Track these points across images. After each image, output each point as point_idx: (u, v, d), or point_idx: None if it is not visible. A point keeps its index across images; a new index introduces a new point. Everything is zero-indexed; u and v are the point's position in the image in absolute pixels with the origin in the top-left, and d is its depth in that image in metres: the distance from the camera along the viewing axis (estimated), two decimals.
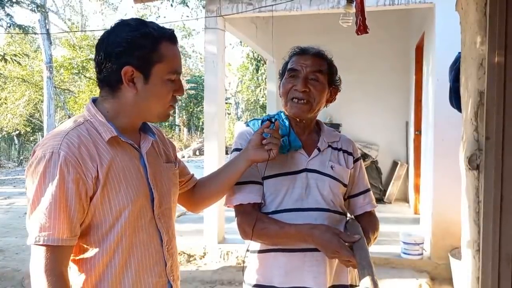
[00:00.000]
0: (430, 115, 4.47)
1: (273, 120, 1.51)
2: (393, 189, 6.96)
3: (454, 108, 2.31)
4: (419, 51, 5.96)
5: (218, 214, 4.84)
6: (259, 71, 17.40)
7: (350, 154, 1.67)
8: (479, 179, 1.68)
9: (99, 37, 1.26)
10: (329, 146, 1.64)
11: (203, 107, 9.15)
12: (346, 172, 1.63)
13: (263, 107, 21.52)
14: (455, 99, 2.22)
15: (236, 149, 1.61)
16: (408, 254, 4.32)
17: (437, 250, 4.23)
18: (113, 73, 1.21)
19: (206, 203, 1.61)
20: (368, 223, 1.63)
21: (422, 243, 4.36)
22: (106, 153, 1.20)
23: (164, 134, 1.52)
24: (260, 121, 1.64)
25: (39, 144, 1.18)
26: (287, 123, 1.62)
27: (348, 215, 1.71)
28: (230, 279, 4.29)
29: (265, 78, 16.23)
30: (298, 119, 1.60)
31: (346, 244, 1.38)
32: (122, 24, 1.23)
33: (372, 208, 1.71)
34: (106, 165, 1.19)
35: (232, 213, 5.94)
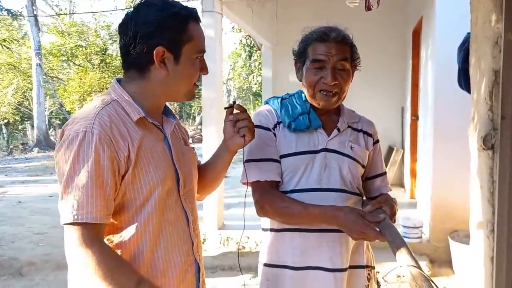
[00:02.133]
0: (430, 99, 4.47)
1: (235, 102, 1.45)
2: (388, 174, 6.97)
3: (463, 90, 2.29)
4: (417, 35, 5.94)
5: (218, 201, 4.83)
6: (252, 57, 17.30)
7: (370, 135, 1.66)
8: (494, 159, 1.68)
9: (121, 20, 1.24)
10: (349, 126, 1.62)
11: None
12: (365, 153, 1.61)
13: (256, 94, 21.46)
14: (464, 80, 2.20)
15: (255, 126, 1.57)
16: (408, 237, 4.34)
17: (436, 233, 4.27)
18: (144, 54, 1.21)
19: (205, 191, 1.59)
20: (387, 195, 1.63)
21: (421, 226, 4.39)
22: (135, 133, 1.20)
23: None
24: (279, 99, 1.61)
25: (68, 123, 1.18)
26: (308, 104, 1.59)
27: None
28: (231, 264, 4.29)
29: (259, 65, 16.16)
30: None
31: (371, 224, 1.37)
32: (148, 5, 1.22)
33: (388, 191, 1.70)
34: (136, 145, 1.19)
35: (231, 200, 5.96)
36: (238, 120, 1.41)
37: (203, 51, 1.29)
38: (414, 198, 6.05)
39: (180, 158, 1.32)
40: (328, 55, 1.51)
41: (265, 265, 1.58)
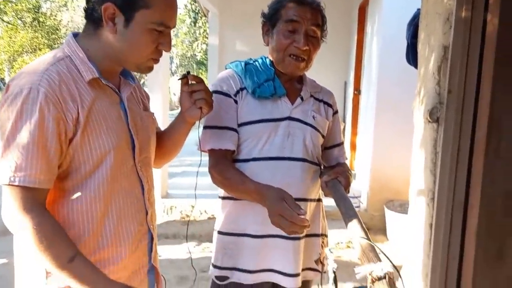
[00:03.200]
0: (373, 74, 4.61)
1: (189, 72, 1.39)
2: None
3: (410, 65, 2.37)
4: (362, 11, 6.06)
5: (161, 170, 4.73)
6: (197, 24, 16.84)
7: (330, 106, 1.67)
8: (438, 131, 1.76)
9: None
10: (311, 96, 1.62)
11: None
12: (325, 124, 1.63)
13: (200, 63, 21.04)
14: (412, 56, 2.27)
15: (215, 91, 1.52)
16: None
17: (373, 203, 4.50)
18: (96, 8, 1.12)
19: (163, 159, 1.54)
20: (343, 166, 1.67)
21: (360, 196, 4.60)
22: (87, 94, 1.13)
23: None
24: (243, 63, 1.56)
25: (14, 78, 1.08)
26: (272, 68, 1.55)
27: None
28: (175, 233, 4.26)
29: (204, 32, 15.76)
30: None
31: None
32: None
33: (345, 160, 1.74)
34: (87, 107, 1.11)
35: (175, 169, 5.87)
36: (194, 91, 1.35)
37: (165, 25, 1.17)
38: (353, 170, 6.31)
39: (136, 124, 1.25)
40: (303, 17, 1.47)
41: (223, 233, 1.57)
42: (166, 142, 1.47)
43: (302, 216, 1.23)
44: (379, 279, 0.86)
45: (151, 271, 1.32)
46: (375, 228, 4.44)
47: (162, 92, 4.55)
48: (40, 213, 1.06)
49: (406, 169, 2.34)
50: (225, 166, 1.49)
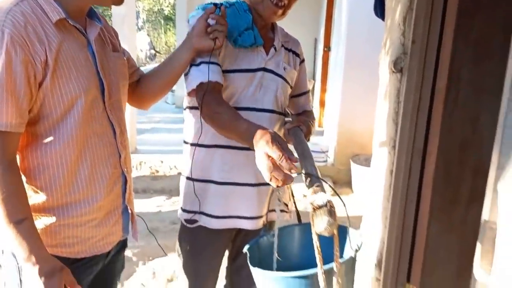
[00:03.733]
0: (343, 30, 4.62)
1: (223, 6, 1.41)
2: None
3: (378, 17, 2.39)
4: None
5: (130, 125, 4.68)
6: None
7: (297, 55, 1.67)
8: (401, 81, 1.82)
9: None
10: (282, 45, 1.61)
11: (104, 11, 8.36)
12: (294, 75, 1.64)
13: (168, 18, 20.36)
14: (380, 8, 2.29)
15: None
16: (315, 161, 4.66)
17: (340, 157, 4.63)
18: None
19: (152, 99, 1.53)
20: (308, 115, 1.70)
21: (327, 151, 4.72)
22: (54, 36, 1.09)
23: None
24: (219, 6, 1.53)
25: None
26: (249, 15, 1.51)
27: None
28: (144, 187, 4.29)
29: None
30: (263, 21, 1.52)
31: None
32: None
33: (310, 108, 1.77)
34: (54, 49, 1.08)
35: (144, 125, 5.80)
36: (215, 24, 1.34)
37: None
38: (321, 127, 6.42)
39: (105, 66, 1.23)
40: None
41: (190, 179, 1.59)
42: (161, 77, 1.45)
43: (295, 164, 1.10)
44: (320, 207, 0.93)
45: (125, 212, 1.34)
46: (341, 182, 4.60)
47: (128, 48, 4.42)
48: (8, 166, 1.05)
49: (372, 124, 2.42)
50: (216, 100, 1.39)
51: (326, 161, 4.70)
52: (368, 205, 2.44)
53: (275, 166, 1.03)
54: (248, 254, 1.18)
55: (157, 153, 4.79)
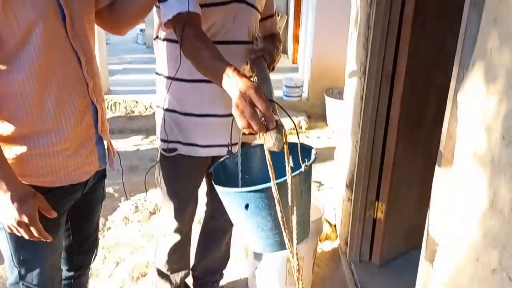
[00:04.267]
0: None
1: None
2: None
3: None
4: None
5: (101, 66, 4.57)
6: None
7: None
8: (371, 7, 1.84)
9: None
10: None
11: None
12: (263, 1, 1.62)
13: None
14: None
15: None
16: (289, 96, 4.72)
17: (314, 92, 4.69)
18: None
19: (127, 24, 1.43)
20: (275, 40, 1.70)
21: (302, 86, 4.76)
22: None
23: None
24: None
25: None
26: None
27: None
28: (121, 128, 4.28)
29: None
30: None
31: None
32: None
33: (278, 31, 1.77)
34: None
35: (115, 66, 5.62)
36: None
37: None
38: (296, 63, 6.41)
39: None
40: None
41: (168, 110, 1.60)
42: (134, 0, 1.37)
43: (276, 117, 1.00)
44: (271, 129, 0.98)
45: (100, 142, 1.35)
46: (315, 116, 4.70)
47: None
48: None
49: (345, 57, 2.45)
50: (197, 34, 1.30)
51: (300, 96, 4.75)
52: (340, 133, 2.54)
53: (253, 116, 0.98)
54: (213, 174, 1.24)
55: (131, 93, 4.74)
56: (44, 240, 1.11)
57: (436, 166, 1.21)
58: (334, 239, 2.45)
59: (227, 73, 1.10)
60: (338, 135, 4.11)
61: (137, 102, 4.67)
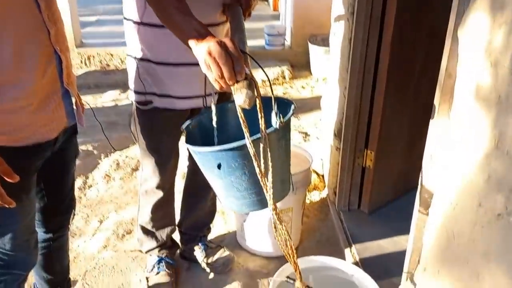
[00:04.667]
0: None
1: None
2: None
3: None
4: None
5: (72, 18, 4.33)
6: None
7: None
8: None
9: None
10: None
11: None
12: None
13: None
14: None
15: None
16: (272, 45, 4.55)
17: (297, 39, 4.53)
18: None
19: None
20: None
21: (284, 34, 4.59)
22: None
23: None
24: None
25: None
26: None
27: None
28: (96, 82, 4.09)
29: None
30: None
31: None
32: None
33: None
34: None
35: (87, 18, 5.34)
36: None
37: None
38: (277, 10, 6.16)
39: None
40: None
41: (141, 59, 1.48)
42: None
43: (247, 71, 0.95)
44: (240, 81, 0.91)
45: (66, 96, 1.24)
46: (299, 65, 4.56)
47: None
48: None
49: (328, 2, 2.30)
50: None
51: (283, 44, 4.59)
52: (327, 79, 2.44)
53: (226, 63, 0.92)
54: (185, 133, 1.15)
55: (106, 46, 4.50)
56: (7, 206, 1.01)
57: (434, 108, 1.14)
58: (322, 189, 2.42)
59: (196, 29, 1.03)
60: (324, 83, 4.01)
61: (112, 55, 4.46)
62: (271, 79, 4.27)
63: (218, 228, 2.15)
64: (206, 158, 1.04)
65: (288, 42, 4.66)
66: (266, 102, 0.98)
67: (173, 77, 1.48)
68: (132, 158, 2.87)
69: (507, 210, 0.80)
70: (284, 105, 1.12)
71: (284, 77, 4.29)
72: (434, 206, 1.12)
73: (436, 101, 1.11)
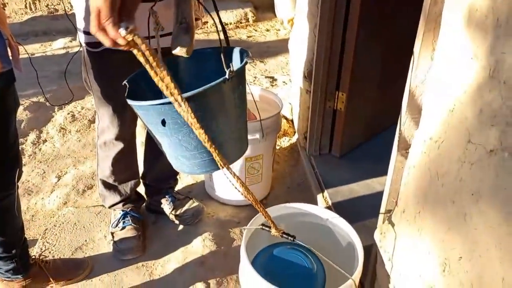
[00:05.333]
0: None
1: None
2: None
3: None
4: None
5: None
6: None
7: None
8: None
9: None
10: None
11: None
12: None
13: None
14: None
15: None
16: None
17: None
18: None
19: None
20: None
21: None
22: None
23: None
24: None
25: None
26: None
27: None
28: (45, 29, 3.75)
29: None
30: None
31: None
32: None
33: None
34: None
35: None
36: None
37: None
38: None
39: None
40: None
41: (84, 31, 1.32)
42: None
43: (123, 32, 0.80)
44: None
45: None
46: (263, 7, 4.35)
47: None
48: None
49: None
50: None
51: None
52: (295, 17, 2.29)
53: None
54: (127, 86, 1.01)
55: None
56: None
57: (417, 39, 1.04)
58: (292, 134, 2.35)
59: None
60: (290, 25, 3.84)
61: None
62: (234, 22, 4.06)
63: (185, 179, 2.06)
64: (148, 113, 0.92)
65: None
66: (221, 51, 0.87)
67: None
68: (89, 109, 2.68)
69: (502, 146, 0.74)
70: (239, 53, 1.02)
71: (247, 20, 4.10)
72: (415, 146, 1.06)
73: (420, 31, 1.02)
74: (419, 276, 1.01)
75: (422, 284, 1.00)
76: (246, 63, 0.98)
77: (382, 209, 1.28)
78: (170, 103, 0.82)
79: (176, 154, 0.97)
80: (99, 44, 1.34)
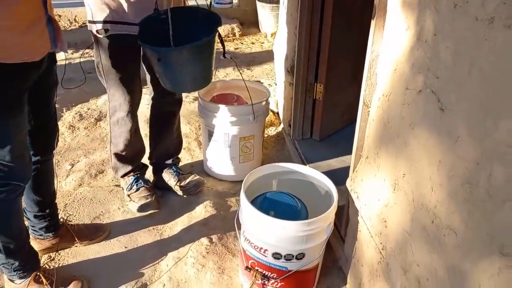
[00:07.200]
0: None
1: None
2: None
3: None
4: None
5: None
6: None
7: None
8: None
9: None
10: None
11: None
12: None
13: None
14: None
15: None
16: (220, 3, 4.65)
17: None
18: None
19: None
20: None
21: None
22: None
23: None
24: None
25: None
26: None
27: None
28: None
29: None
30: None
31: None
32: None
33: None
34: None
35: None
36: None
37: None
38: None
39: None
40: None
41: (95, 21, 1.63)
42: None
43: None
44: None
45: (49, 23, 1.36)
46: (247, 22, 4.72)
47: None
48: None
49: None
50: None
51: (231, 2, 4.70)
52: (279, 24, 2.65)
53: None
54: (139, 29, 1.52)
55: (55, 7, 4.40)
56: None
57: (372, 23, 1.38)
58: (278, 125, 2.67)
59: None
60: (273, 38, 4.20)
61: (60, 16, 4.39)
62: (222, 36, 4.40)
63: (185, 162, 2.35)
64: (148, 52, 1.55)
65: (236, 1, 4.79)
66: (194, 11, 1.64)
67: (128, 3, 1.62)
68: (94, 109, 2.96)
69: (426, 85, 1.06)
70: (211, 16, 1.63)
71: (234, 34, 4.46)
72: (373, 103, 1.38)
73: (373, 17, 1.36)
74: (378, 200, 1.32)
75: (380, 205, 1.31)
76: (219, 25, 1.60)
77: (352, 163, 1.60)
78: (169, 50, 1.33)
79: (167, 78, 1.57)
80: (107, 31, 1.65)
